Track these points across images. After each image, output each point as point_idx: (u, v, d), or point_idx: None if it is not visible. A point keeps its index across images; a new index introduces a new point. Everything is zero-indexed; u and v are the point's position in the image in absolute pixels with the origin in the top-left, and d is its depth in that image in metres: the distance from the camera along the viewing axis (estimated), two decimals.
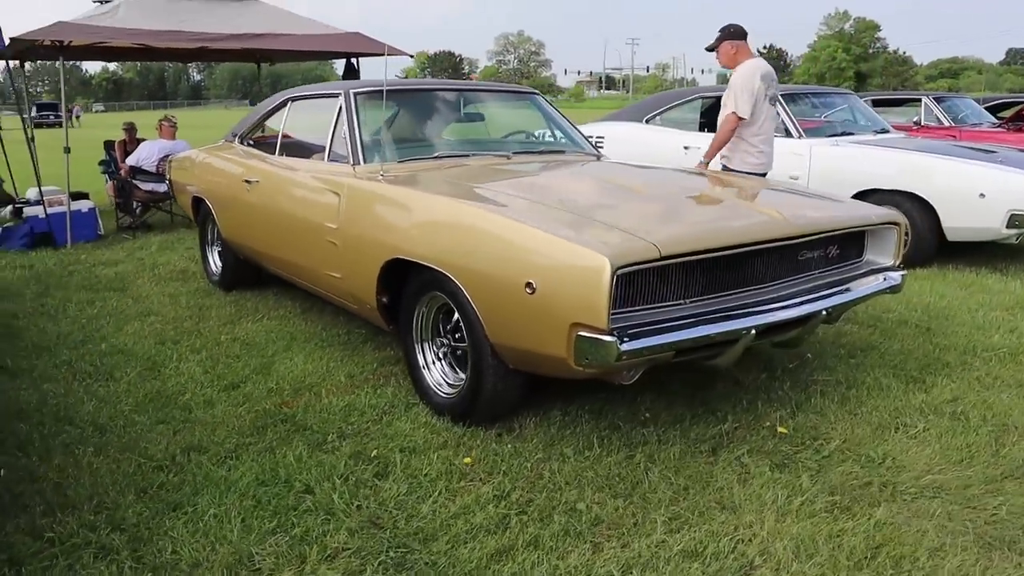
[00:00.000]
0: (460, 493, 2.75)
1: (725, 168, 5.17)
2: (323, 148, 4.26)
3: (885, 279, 3.55)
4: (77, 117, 43.98)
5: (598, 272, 2.47)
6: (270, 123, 5.33)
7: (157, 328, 4.83)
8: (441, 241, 3.14)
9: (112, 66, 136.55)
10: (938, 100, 10.53)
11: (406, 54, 9.66)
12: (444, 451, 3.05)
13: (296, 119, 4.87)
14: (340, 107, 4.19)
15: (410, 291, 3.43)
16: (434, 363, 3.45)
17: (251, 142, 5.41)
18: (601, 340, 2.51)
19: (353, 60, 9.85)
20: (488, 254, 2.91)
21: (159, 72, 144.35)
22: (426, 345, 3.47)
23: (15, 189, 8.98)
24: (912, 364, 3.92)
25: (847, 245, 3.54)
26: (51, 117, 36.54)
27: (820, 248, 3.35)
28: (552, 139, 4.83)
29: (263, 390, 3.77)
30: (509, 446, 3.07)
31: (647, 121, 8.07)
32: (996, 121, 10.55)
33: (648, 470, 2.86)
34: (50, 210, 7.81)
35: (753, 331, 2.85)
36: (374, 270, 3.51)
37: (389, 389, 3.71)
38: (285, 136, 4.82)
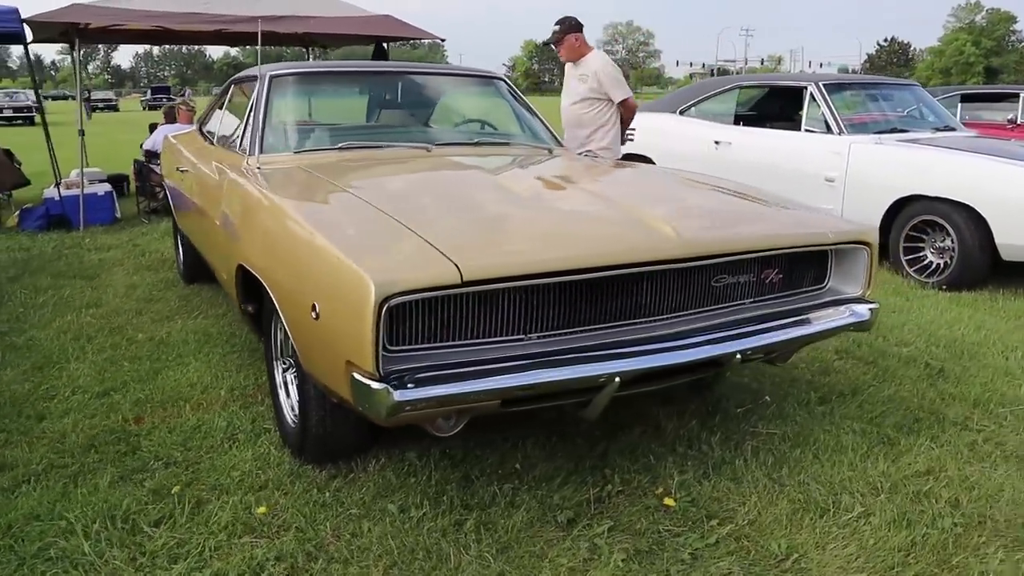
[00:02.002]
0: (232, 552, 2.25)
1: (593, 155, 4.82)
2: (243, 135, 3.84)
3: (850, 313, 2.80)
4: (192, 100, 45.86)
5: (362, 301, 1.91)
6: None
7: (87, 321, 4.55)
8: (262, 248, 2.64)
9: (233, 51, 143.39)
10: None
11: (437, 38, 9.22)
12: (252, 494, 2.55)
13: (234, 104, 4.47)
14: (255, 91, 3.76)
15: (267, 302, 2.95)
16: (285, 385, 2.95)
17: (205, 128, 5.06)
18: (368, 386, 1.95)
19: (384, 44, 9.45)
20: (289, 268, 2.40)
21: (276, 57, 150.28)
22: (280, 363, 2.98)
23: (57, 172, 9.05)
24: (894, 418, 3.14)
25: (798, 269, 2.81)
26: (164, 101, 38.24)
27: (747, 272, 2.64)
28: (504, 130, 4.22)
29: (129, 401, 3.38)
30: (330, 494, 2.54)
31: (681, 112, 7.30)
32: None
33: (468, 546, 2.27)
34: (65, 193, 7.79)
35: (617, 379, 2.21)
36: (233, 276, 3.04)
37: (257, 409, 3.25)
38: (222, 122, 4.43)
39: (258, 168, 3.28)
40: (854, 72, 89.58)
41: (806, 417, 3.14)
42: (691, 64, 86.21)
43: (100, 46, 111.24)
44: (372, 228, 2.31)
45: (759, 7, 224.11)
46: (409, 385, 1.96)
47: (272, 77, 3.76)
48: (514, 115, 4.27)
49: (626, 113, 5.07)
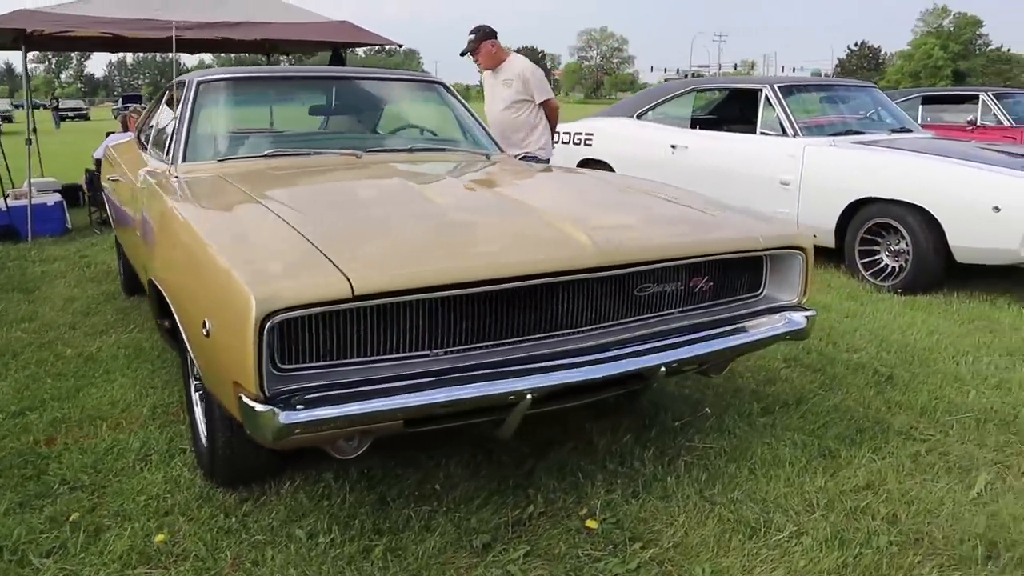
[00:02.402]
0: None
1: (534, 157, 5.00)
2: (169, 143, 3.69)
3: (785, 322, 2.70)
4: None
5: (243, 317, 1.78)
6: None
7: (17, 336, 4.37)
8: (165, 260, 2.51)
9: (209, 58, 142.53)
10: (999, 96, 9.22)
11: (395, 43, 9.10)
12: (156, 520, 2.41)
13: (166, 111, 4.32)
14: (182, 97, 3.62)
15: None
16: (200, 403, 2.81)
17: (141, 136, 4.90)
18: (252, 408, 1.82)
19: (341, 51, 9.32)
20: (185, 281, 2.27)
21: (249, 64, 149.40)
22: (193, 380, 2.83)
23: (11, 181, 8.80)
24: (837, 429, 3.04)
25: (731, 276, 2.71)
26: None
27: (674, 281, 2.53)
28: (442, 135, 4.11)
29: (45, 421, 3.21)
30: (237, 519, 2.40)
31: (639, 117, 7.22)
32: None
33: (374, 575, 2.14)
34: (13, 203, 7.57)
35: (529, 396, 2.10)
36: (148, 290, 2.90)
37: (177, 428, 3.10)
38: (155, 129, 4.27)
39: (177, 177, 3.14)
40: (826, 76, 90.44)
41: (746, 429, 3.04)
42: (665, 70, 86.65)
43: (73, 55, 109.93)
44: (270, 240, 2.18)
45: (732, 13, 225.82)
46: (298, 406, 1.84)
47: (200, 83, 3.62)
48: (453, 120, 4.15)
49: (550, 114, 5.17)
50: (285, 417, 1.79)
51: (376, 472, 2.66)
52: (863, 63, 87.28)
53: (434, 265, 2.03)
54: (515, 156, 5.36)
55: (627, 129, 7.23)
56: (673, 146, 6.59)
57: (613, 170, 7.23)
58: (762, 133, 6.00)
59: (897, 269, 5.16)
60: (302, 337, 1.92)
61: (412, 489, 2.56)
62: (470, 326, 2.15)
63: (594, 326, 2.37)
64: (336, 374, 1.98)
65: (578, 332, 2.34)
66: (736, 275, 2.72)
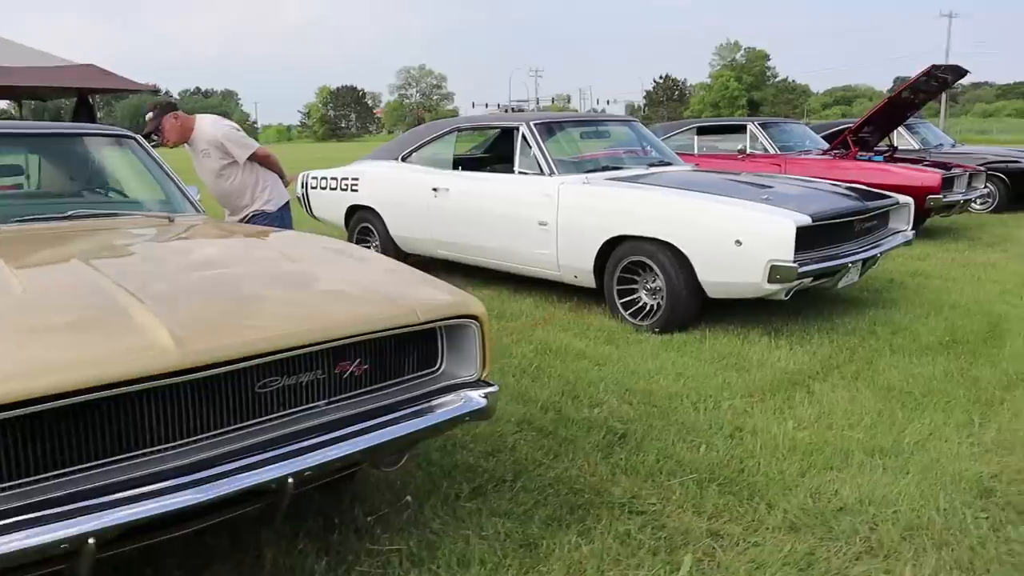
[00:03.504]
0: None
1: (262, 214, 4.77)
2: None
3: (463, 402, 2.32)
4: None
5: None
6: None
7: None
8: None
9: (2, 104, 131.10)
10: (764, 126, 9.68)
11: (145, 88, 8.33)
12: None
13: None
14: None
15: None
16: None
17: None
18: None
19: (90, 98, 8.41)
20: None
21: (55, 110, 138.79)
22: None
23: None
24: (548, 510, 2.69)
25: (395, 355, 2.30)
26: None
27: (312, 369, 2.09)
28: (121, 196, 3.52)
29: None
30: None
31: (403, 159, 6.85)
32: (827, 147, 9.75)
33: None
34: None
35: (91, 541, 1.58)
36: None
37: None
38: None
39: None
40: (637, 108, 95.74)
41: (447, 520, 2.64)
42: (487, 105, 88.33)
43: None
44: None
45: (547, 50, 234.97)
46: None
47: None
48: (137, 178, 3.57)
49: (265, 163, 4.81)
50: None
51: None
52: (668, 94, 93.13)
53: None
54: (243, 219, 4.87)
55: (392, 172, 6.84)
56: (435, 189, 6.26)
57: (380, 217, 6.83)
58: (520, 172, 5.78)
59: (655, 307, 5.03)
60: None
61: None
62: (18, 457, 1.60)
63: (198, 438, 1.88)
64: None
65: (175, 448, 1.84)
66: (402, 353, 2.32)
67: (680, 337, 4.82)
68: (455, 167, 6.41)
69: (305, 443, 1.99)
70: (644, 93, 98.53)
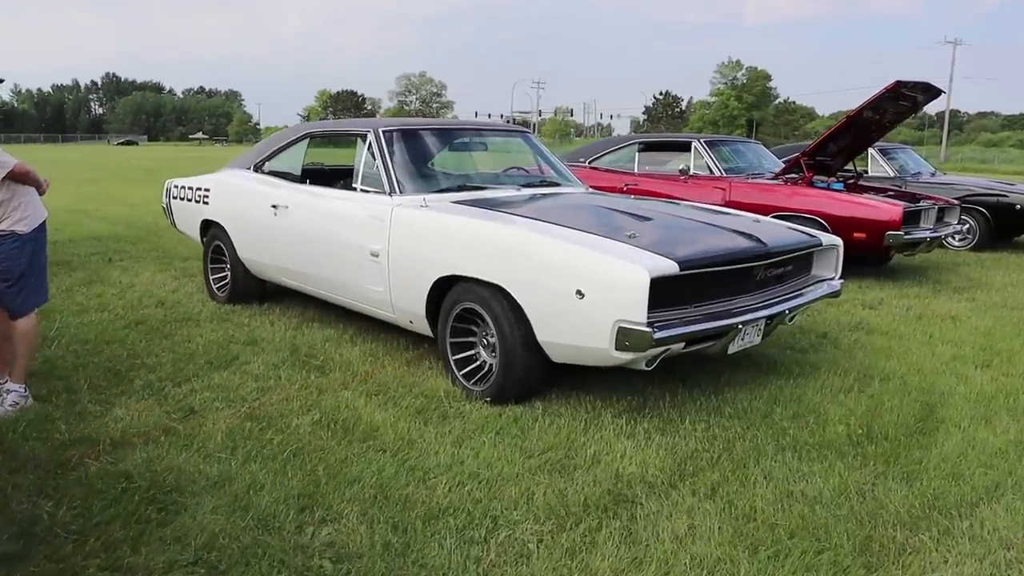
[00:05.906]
0: None
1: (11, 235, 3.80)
2: None
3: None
4: None
5: None
6: None
7: None
8: None
9: (4, 95, 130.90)
10: (711, 144, 8.58)
11: None
12: None
13: None
14: None
15: None
16: None
17: None
18: None
19: None
20: None
21: (57, 104, 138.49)
22: None
23: None
24: None
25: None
26: None
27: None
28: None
29: None
30: None
31: (256, 168, 5.77)
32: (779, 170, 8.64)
33: None
34: None
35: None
36: None
37: None
38: None
39: None
40: (640, 123, 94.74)
41: None
42: (489, 115, 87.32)
43: None
44: None
45: (552, 62, 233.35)
46: None
47: None
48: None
49: (20, 180, 3.92)
50: None
51: None
52: (667, 111, 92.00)
53: None
54: None
55: (240, 183, 5.76)
56: (274, 206, 5.18)
57: (228, 235, 5.75)
58: (361, 190, 4.68)
59: (493, 369, 3.92)
60: None
61: None
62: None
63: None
64: None
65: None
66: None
67: (512, 413, 3.70)
68: (303, 180, 5.31)
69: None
70: (643, 108, 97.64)
